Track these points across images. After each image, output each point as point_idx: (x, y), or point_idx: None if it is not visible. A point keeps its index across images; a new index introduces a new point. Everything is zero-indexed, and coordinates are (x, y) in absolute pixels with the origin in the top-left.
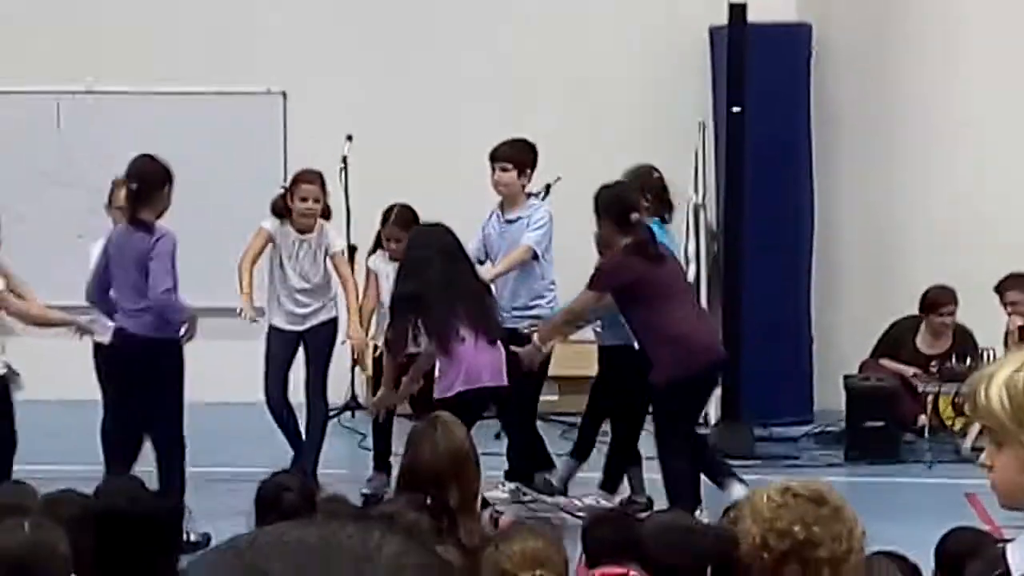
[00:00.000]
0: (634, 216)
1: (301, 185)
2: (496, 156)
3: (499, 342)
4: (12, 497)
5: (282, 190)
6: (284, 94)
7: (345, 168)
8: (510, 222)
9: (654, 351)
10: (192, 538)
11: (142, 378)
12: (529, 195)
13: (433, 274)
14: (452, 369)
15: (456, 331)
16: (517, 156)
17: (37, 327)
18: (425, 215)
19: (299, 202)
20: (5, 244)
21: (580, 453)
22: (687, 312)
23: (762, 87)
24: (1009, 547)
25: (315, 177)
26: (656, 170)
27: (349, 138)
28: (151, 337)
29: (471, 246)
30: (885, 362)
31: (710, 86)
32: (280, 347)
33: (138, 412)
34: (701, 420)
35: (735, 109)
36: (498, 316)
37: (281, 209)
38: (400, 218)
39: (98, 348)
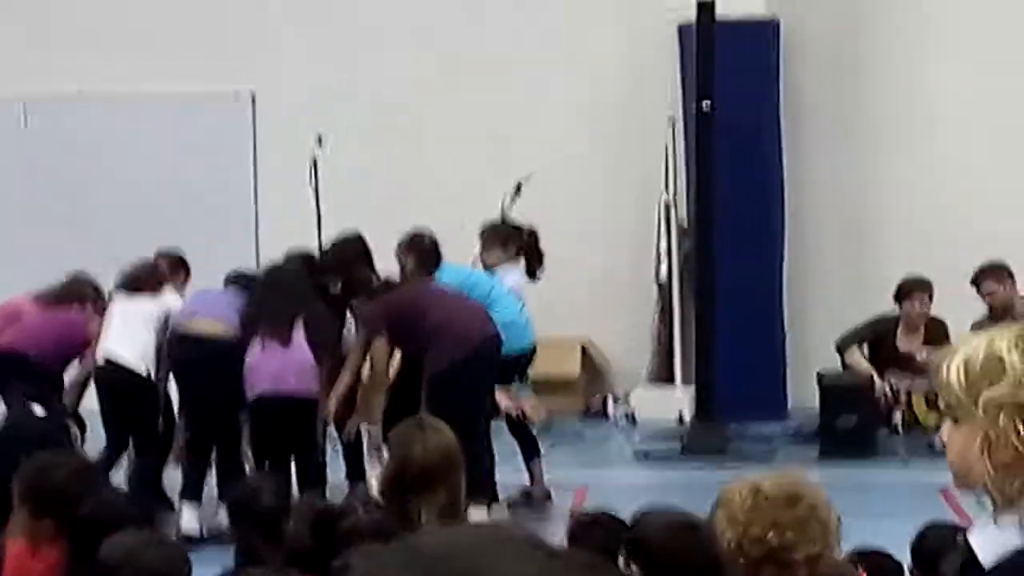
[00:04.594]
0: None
1: None
2: None
3: (301, 345)
4: None
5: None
6: (253, 95)
7: (315, 169)
8: None
9: (431, 353)
10: None
11: None
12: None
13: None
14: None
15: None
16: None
17: None
18: (396, 218)
19: None
20: None
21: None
22: (446, 312)
23: (731, 83)
24: (970, 534)
25: None
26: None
27: (319, 139)
28: None
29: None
30: (855, 360)
31: (679, 83)
32: None
33: None
34: (674, 417)
35: (704, 105)
36: (315, 326)
37: None
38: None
39: None
